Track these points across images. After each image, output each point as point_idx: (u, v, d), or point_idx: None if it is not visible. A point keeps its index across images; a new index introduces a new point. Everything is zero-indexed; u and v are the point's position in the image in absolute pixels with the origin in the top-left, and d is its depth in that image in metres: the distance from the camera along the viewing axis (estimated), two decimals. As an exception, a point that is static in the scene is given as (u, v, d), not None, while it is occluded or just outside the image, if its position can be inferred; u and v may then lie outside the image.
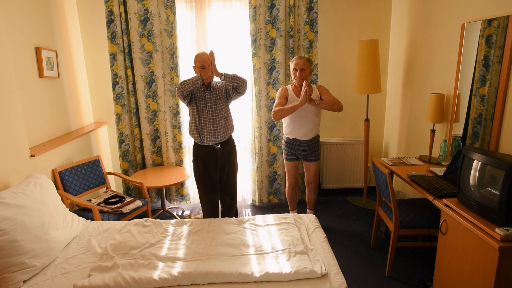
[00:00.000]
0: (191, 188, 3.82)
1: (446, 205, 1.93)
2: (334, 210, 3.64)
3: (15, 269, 1.76)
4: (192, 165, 2.95)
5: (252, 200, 3.85)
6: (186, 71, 3.60)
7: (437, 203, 2.03)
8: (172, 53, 3.45)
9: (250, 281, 1.75)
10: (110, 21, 3.32)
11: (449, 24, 2.73)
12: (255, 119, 3.60)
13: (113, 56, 3.41)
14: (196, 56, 2.68)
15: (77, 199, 2.68)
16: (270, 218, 2.42)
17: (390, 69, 3.85)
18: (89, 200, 2.91)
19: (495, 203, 1.62)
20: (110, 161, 3.88)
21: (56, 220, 2.12)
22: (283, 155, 3.13)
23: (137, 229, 2.29)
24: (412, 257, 2.74)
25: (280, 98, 2.90)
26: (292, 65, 2.89)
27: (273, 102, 3.51)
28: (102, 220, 2.60)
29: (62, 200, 2.45)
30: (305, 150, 2.99)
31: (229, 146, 2.80)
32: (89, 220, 2.48)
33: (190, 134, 2.77)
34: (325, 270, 1.79)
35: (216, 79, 2.71)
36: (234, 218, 2.44)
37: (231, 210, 2.96)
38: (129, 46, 3.40)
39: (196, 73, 2.66)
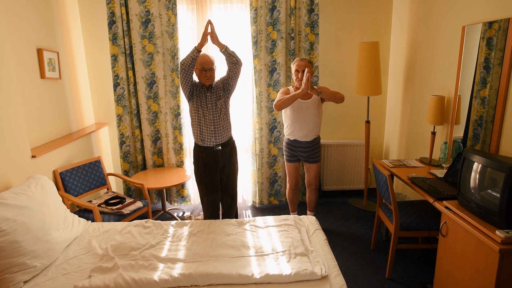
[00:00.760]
0: (192, 190, 3.82)
1: (447, 207, 1.93)
2: (334, 212, 3.64)
3: (16, 270, 1.76)
4: (192, 166, 2.95)
5: (253, 202, 3.85)
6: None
7: (437, 205, 2.03)
8: (173, 54, 3.45)
9: (250, 282, 1.75)
10: (111, 23, 3.33)
11: (449, 26, 2.73)
12: (256, 121, 3.61)
13: (114, 58, 3.41)
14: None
15: (78, 200, 2.69)
16: (270, 219, 2.42)
17: (391, 71, 3.86)
18: (90, 201, 2.91)
19: (496, 206, 1.62)
20: (111, 162, 3.88)
21: (56, 221, 2.12)
22: (284, 156, 3.13)
23: (137, 230, 2.29)
24: (413, 259, 2.74)
25: (282, 94, 2.91)
26: (293, 67, 2.90)
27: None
28: (103, 221, 2.60)
29: (63, 201, 2.45)
30: (306, 152, 2.99)
31: (229, 148, 2.81)
32: (90, 221, 2.49)
33: (193, 135, 2.78)
34: (325, 272, 1.79)
35: (216, 79, 2.71)
36: (235, 219, 2.44)
37: (231, 211, 2.96)
38: (130, 47, 3.41)
39: (196, 75, 2.67)
